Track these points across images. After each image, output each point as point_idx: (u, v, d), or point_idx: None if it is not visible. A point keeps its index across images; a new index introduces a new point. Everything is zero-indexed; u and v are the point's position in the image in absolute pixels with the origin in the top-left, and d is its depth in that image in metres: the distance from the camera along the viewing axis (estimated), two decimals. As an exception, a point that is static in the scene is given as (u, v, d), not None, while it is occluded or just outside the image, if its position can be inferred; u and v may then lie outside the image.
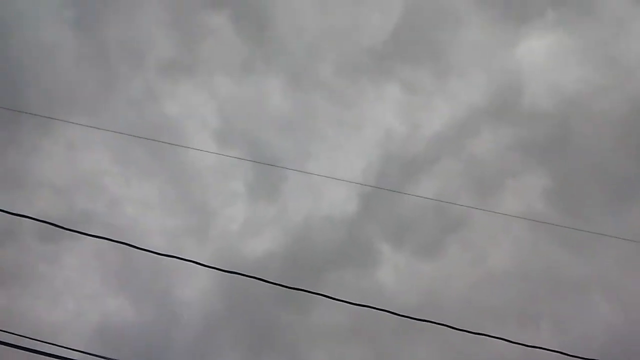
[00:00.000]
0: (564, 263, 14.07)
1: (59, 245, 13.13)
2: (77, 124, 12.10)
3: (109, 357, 6.61)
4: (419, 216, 14.99)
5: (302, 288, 7.16)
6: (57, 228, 6.18)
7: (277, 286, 7.00)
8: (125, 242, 6.43)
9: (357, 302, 7.14)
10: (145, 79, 15.29)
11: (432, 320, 7.20)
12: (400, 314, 7.03)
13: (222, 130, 15.29)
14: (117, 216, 14.16)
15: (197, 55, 15.54)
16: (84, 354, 6.77)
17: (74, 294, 13.40)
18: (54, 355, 5.84)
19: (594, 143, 15.02)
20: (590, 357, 7.36)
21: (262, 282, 7.17)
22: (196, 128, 15.28)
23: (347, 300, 7.12)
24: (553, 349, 7.59)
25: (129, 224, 13.96)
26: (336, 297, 6.83)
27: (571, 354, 7.44)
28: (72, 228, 6.23)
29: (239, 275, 7.08)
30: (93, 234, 6.36)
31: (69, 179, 14.29)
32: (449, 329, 7.19)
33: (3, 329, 6.01)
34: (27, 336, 6.17)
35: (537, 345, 7.49)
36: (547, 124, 15.27)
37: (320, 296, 7.25)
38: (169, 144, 13.42)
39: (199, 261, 6.75)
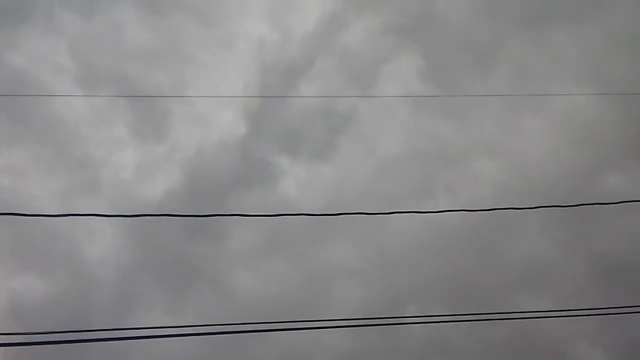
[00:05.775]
0: (448, 134, 14.93)
1: None
2: None
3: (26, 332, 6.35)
4: (307, 121, 15.12)
5: (214, 214, 7.11)
6: None
7: (189, 218, 6.89)
8: (13, 212, 5.99)
9: (271, 214, 7.22)
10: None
11: (346, 212, 7.47)
12: (315, 213, 7.22)
13: (82, 71, 14.02)
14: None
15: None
16: None
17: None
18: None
19: (454, 13, 15.60)
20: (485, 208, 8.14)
21: (171, 220, 7.02)
22: (52, 75, 13.88)
23: (261, 214, 7.16)
24: (456, 209, 8.26)
25: (8, 195, 12.87)
26: (251, 214, 6.86)
27: (470, 209, 8.17)
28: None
29: (147, 217, 6.88)
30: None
31: None
32: (360, 218, 7.51)
33: None
34: None
35: (441, 210, 8.07)
36: (410, 3, 15.59)
37: (234, 217, 7.24)
38: (30, 96, 12.20)
39: (101, 213, 6.47)
